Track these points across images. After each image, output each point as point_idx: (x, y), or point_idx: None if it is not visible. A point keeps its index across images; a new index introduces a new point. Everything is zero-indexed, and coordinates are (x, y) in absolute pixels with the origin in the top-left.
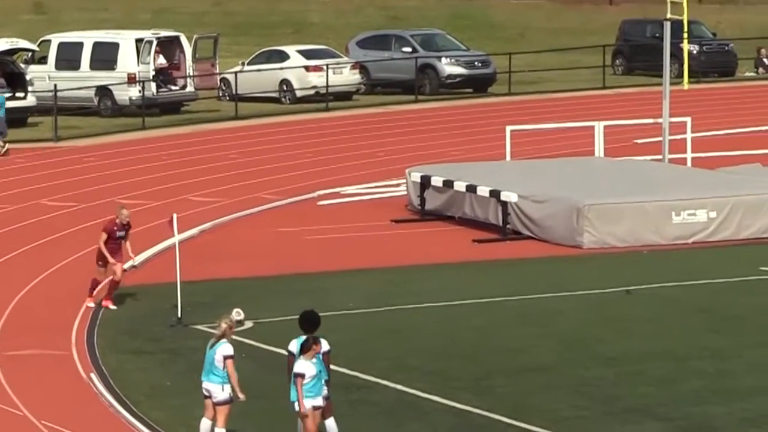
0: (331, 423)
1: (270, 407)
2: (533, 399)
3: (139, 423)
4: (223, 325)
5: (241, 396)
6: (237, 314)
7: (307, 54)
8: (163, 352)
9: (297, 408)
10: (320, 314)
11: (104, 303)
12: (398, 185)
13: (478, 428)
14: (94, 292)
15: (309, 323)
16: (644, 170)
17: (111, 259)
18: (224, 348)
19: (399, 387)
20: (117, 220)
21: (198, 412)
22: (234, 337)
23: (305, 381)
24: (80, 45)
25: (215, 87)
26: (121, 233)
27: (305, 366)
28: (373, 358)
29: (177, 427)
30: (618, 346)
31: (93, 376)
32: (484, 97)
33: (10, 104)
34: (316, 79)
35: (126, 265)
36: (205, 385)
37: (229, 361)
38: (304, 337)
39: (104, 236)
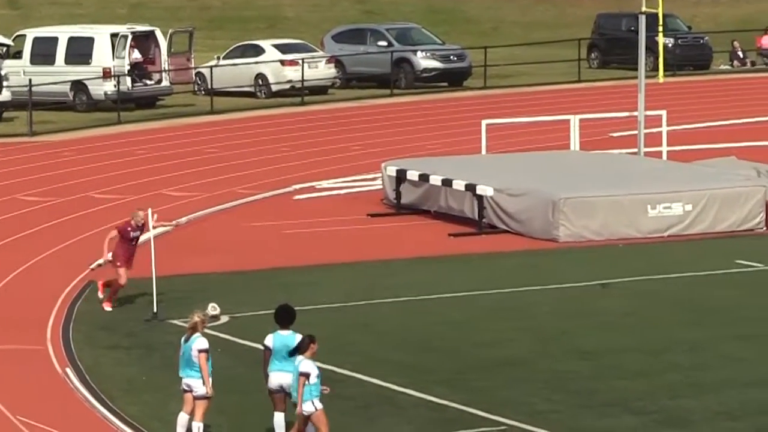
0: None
1: (245, 402)
2: (509, 393)
3: (115, 418)
4: (195, 318)
5: (210, 390)
6: (212, 309)
7: (282, 48)
8: (138, 347)
9: (311, 408)
10: (296, 308)
11: (102, 297)
12: (374, 179)
13: (454, 422)
14: (113, 296)
15: (284, 317)
16: (620, 163)
17: (105, 256)
18: (199, 342)
19: (374, 381)
20: (132, 222)
21: (174, 406)
22: (210, 331)
23: (312, 381)
24: (55, 40)
25: (190, 81)
26: (136, 234)
27: (310, 365)
28: (348, 352)
29: (152, 421)
30: (594, 340)
31: (69, 371)
32: (460, 91)
33: None
34: (292, 74)
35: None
36: (186, 380)
37: (203, 355)
38: (282, 332)
39: (113, 233)
